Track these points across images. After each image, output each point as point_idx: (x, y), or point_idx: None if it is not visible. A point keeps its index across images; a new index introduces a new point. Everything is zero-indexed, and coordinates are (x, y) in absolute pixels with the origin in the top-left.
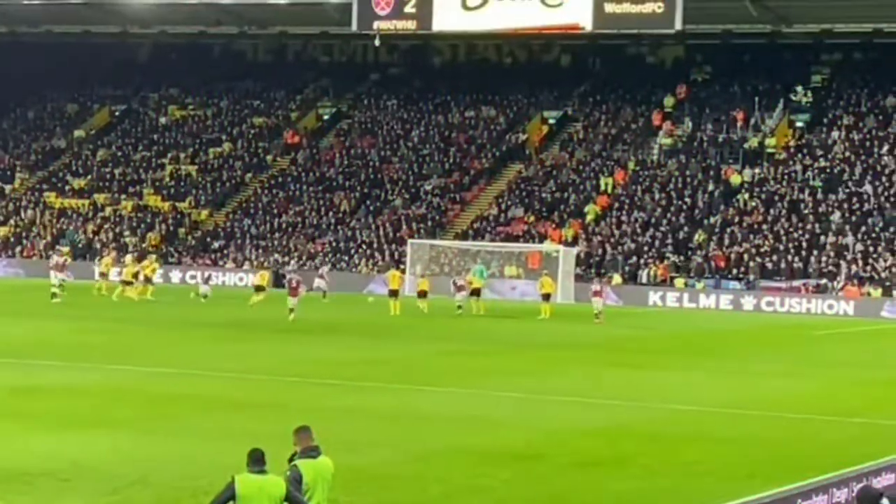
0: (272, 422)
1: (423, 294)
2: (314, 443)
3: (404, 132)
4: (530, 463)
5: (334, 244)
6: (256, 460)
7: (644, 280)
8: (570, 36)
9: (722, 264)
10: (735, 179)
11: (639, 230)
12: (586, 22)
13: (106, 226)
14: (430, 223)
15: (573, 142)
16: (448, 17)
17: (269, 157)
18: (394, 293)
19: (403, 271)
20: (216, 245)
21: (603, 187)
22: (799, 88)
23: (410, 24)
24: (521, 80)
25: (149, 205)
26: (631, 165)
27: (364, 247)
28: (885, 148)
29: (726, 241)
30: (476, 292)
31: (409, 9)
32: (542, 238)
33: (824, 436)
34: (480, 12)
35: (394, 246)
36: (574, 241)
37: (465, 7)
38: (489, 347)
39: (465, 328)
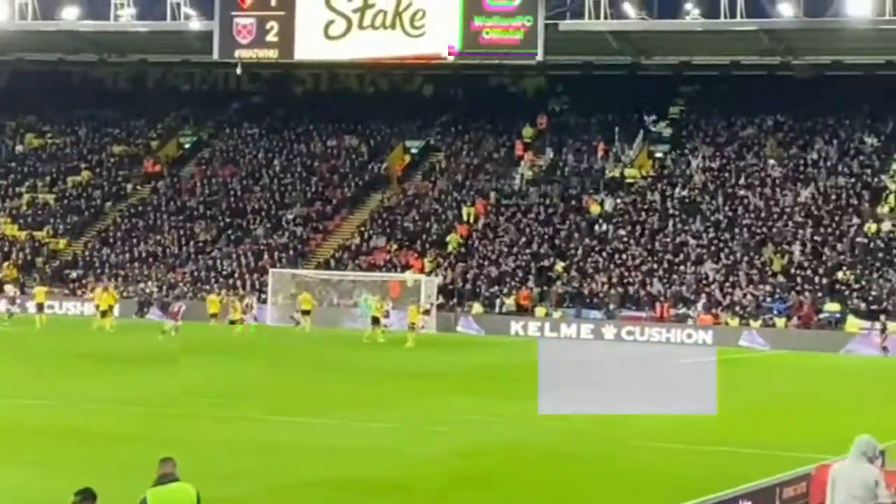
0: (127, 454)
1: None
2: (171, 471)
3: (266, 161)
4: (395, 493)
5: (195, 274)
6: (84, 498)
7: (505, 309)
8: (432, 66)
9: (583, 293)
10: (595, 209)
11: (500, 260)
12: (452, 48)
13: None
14: (291, 252)
15: (435, 171)
16: (310, 47)
17: (128, 186)
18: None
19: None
20: (74, 274)
21: (465, 217)
22: (658, 119)
23: (272, 53)
24: (384, 109)
25: (5, 234)
26: (493, 195)
27: (225, 276)
28: (743, 178)
29: (587, 271)
30: (375, 321)
31: (270, 38)
32: (405, 267)
33: (685, 463)
34: (342, 42)
35: (255, 275)
36: (435, 271)
37: (328, 36)
38: (352, 377)
39: (328, 357)
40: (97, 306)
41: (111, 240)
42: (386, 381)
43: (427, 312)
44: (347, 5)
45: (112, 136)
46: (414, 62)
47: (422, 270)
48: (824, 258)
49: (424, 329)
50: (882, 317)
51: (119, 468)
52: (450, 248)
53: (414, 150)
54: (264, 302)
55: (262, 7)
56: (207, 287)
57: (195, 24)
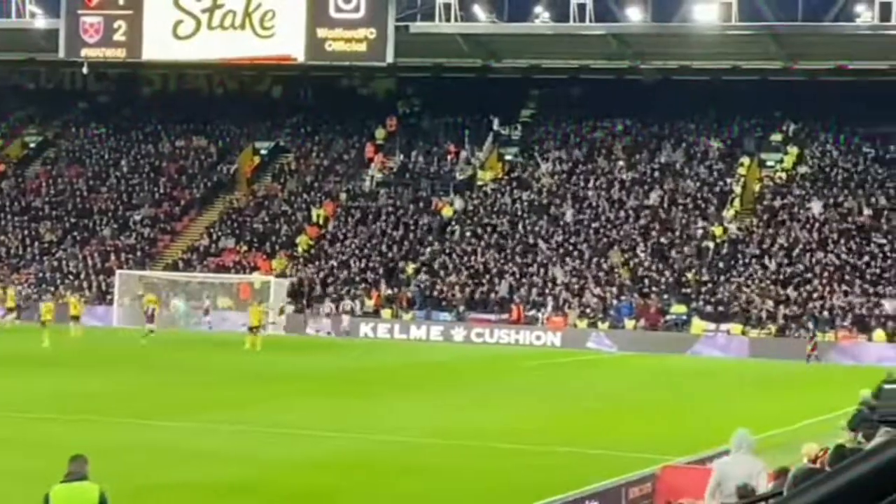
0: None
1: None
2: (78, 469)
3: (113, 161)
4: (245, 496)
5: (40, 275)
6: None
7: (356, 311)
8: (282, 67)
9: (433, 295)
10: (446, 211)
11: (350, 261)
12: (298, 53)
13: None
14: (139, 254)
15: (285, 173)
16: (158, 47)
17: None
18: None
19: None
20: None
21: (314, 218)
22: (508, 122)
23: (120, 53)
24: (233, 110)
25: None
26: (343, 197)
27: (71, 277)
28: (592, 181)
29: (437, 272)
30: (256, 327)
31: (118, 37)
32: (253, 269)
33: (533, 465)
34: (191, 42)
35: (101, 277)
36: (285, 272)
37: (176, 36)
38: (203, 379)
39: (180, 359)
40: None
41: None
42: (237, 384)
43: (281, 313)
44: (196, 5)
45: None
46: (263, 63)
47: (271, 272)
48: (671, 261)
49: (269, 331)
50: (810, 324)
51: None
52: (299, 249)
53: (263, 152)
54: (110, 303)
55: (110, 6)
56: (52, 288)
57: (41, 22)
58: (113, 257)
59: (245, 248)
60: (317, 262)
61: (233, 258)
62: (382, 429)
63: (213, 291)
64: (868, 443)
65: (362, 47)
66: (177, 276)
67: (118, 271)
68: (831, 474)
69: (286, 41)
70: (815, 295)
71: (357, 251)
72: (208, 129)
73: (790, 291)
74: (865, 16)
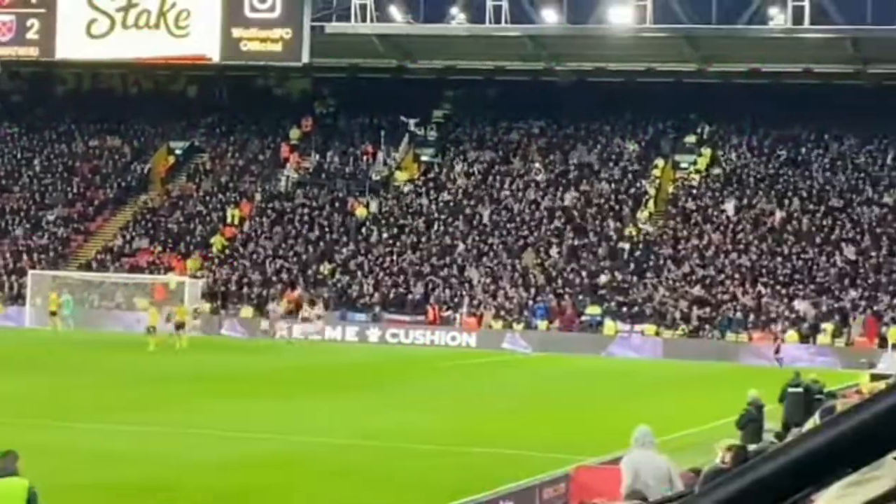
0: None
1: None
2: (7, 465)
3: (26, 161)
4: (158, 498)
5: None
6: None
7: (273, 312)
8: (197, 67)
9: (349, 296)
10: (361, 212)
11: (266, 262)
12: (213, 53)
13: None
14: (52, 254)
15: (200, 173)
16: (72, 45)
17: None
18: None
19: None
20: None
21: (229, 219)
22: (424, 123)
23: (33, 51)
24: (148, 110)
25: None
26: (258, 197)
27: None
28: (507, 182)
29: (353, 273)
30: (180, 326)
31: (31, 35)
32: (168, 269)
33: (448, 466)
34: (105, 41)
35: (14, 277)
36: (199, 273)
37: (90, 35)
38: (117, 380)
39: (95, 361)
40: None
41: None
42: (152, 385)
43: (196, 314)
44: (111, 4)
45: None
46: (178, 63)
47: (185, 272)
48: (586, 262)
49: (190, 332)
50: (776, 327)
51: None
52: (214, 250)
53: (178, 152)
54: (23, 304)
55: (22, 4)
56: None
57: None
58: (25, 257)
59: (159, 248)
60: (232, 263)
61: (147, 258)
62: (298, 430)
63: (128, 292)
64: (752, 442)
65: (278, 47)
66: (91, 276)
67: (31, 271)
68: (737, 474)
69: (201, 41)
70: (727, 296)
71: (272, 252)
72: (122, 129)
73: (703, 293)
74: (778, 19)
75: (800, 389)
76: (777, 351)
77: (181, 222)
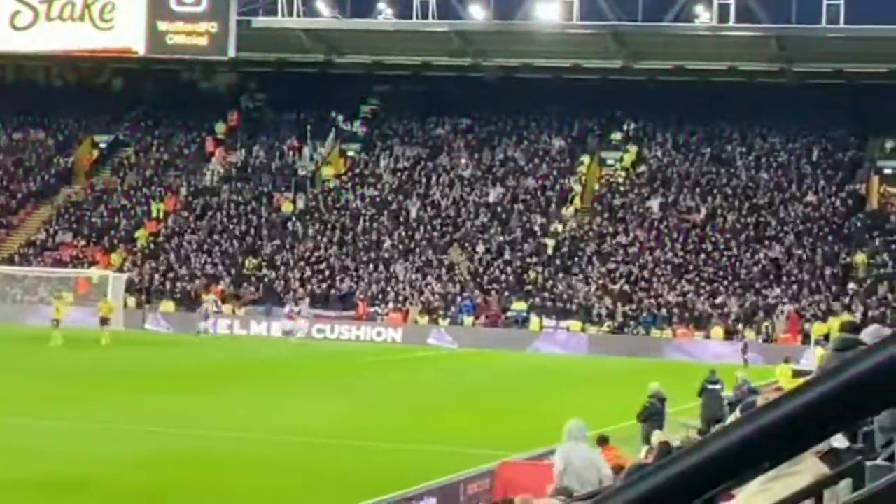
0: None
1: None
2: None
3: None
4: (75, 493)
5: None
6: None
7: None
8: (122, 60)
9: (275, 291)
10: (287, 207)
11: (191, 256)
12: (139, 46)
13: None
14: None
15: (125, 167)
16: None
17: None
18: None
19: None
20: None
21: (154, 213)
22: (351, 118)
23: None
24: (72, 103)
25: None
26: (183, 191)
27: None
28: (434, 177)
29: (279, 268)
30: (105, 321)
31: None
32: (92, 263)
33: (373, 461)
34: (29, 33)
35: None
36: (123, 267)
37: (14, 27)
38: (39, 375)
39: (17, 355)
40: None
41: None
42: (74, 379)
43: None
44: None
45: None
46: (103, 55)
47: (109, 267)
48: (512, 258)
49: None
50: (740, 325)
51: None
52: (139, 244)
53: (102, 145)
54: None
55: None
56: None
57: None
58: None
59: (83, 242)
60: (157, 258)
61: (70, 253)
62: (220, 425)
63: (51, 286)
64: (654, 435)
65: (204, 41)
66: (13, 270)
67: None
68: (656, 468)
69: (126, 34)
70: (652, 292)
71: (197, 246)
72: (46, 122)
73: (628, 289)
74: (704, 17)
75: (717, 386)
76: (744, 351)
77: (105, 216)
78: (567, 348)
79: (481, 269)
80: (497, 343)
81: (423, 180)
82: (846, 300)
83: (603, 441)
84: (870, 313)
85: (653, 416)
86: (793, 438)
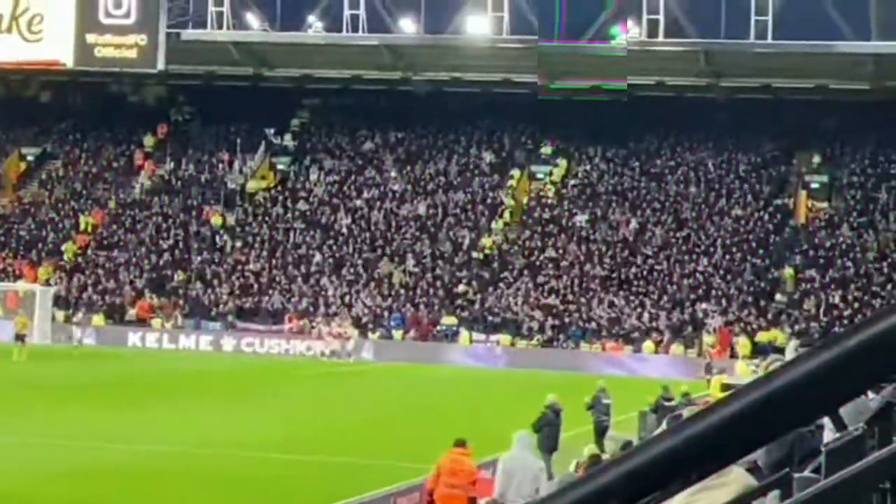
0: None
1: None
2: None
3: None
4: None
5: None
6: None
7: (125, 320)
8: (50, 72)
9: (203, 304)
10: (216, 220)
11: (119, 270)
12: (67, 58)
13: None
14: None
15: (52, 179)
16: None
17: None
18: None
19: None
20: None
21: (82, 226)
22: (280, 131)
23: None
24: None
25: None
26: (111, 204)
27: None
28: (364, 191)
29: (208, 282)
30: (20, 337)
31: None
32: (18, 277)
33: (303, 475)
34: None
35: None
36: (50, 281)
37: None
38: None
39: None
40: None
41: None
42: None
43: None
44: None
45: None
46: (31, 67)
47: (36, 280)
48: (441, 272)
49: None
50: (701, 335)
51: None
52: (66, 257)
53: (30, 158)
54: None
55: None
56: None
57: None
58: None
59: (10, 255)
60: (84, 271)
61: None
62: (146, 439)
63: None
64: (551, 446)
65: (132, 53)
66: None
67: None
68: (582, 480)
69: (55, 46)
70: (582, 307)
71: (126, 260)
72: None
73: (557, 303)
74: (633, 31)
75: (673, 403)
76: (707, 369)
77: (32, 229)
78: (496, 362)
79: (412, 283)
80: (426, 357)
81: (353, 194)
82: (773, 314)
83: (461, 443)
84: (796, 327)
85: (546, 426)
86: (719, 450)
